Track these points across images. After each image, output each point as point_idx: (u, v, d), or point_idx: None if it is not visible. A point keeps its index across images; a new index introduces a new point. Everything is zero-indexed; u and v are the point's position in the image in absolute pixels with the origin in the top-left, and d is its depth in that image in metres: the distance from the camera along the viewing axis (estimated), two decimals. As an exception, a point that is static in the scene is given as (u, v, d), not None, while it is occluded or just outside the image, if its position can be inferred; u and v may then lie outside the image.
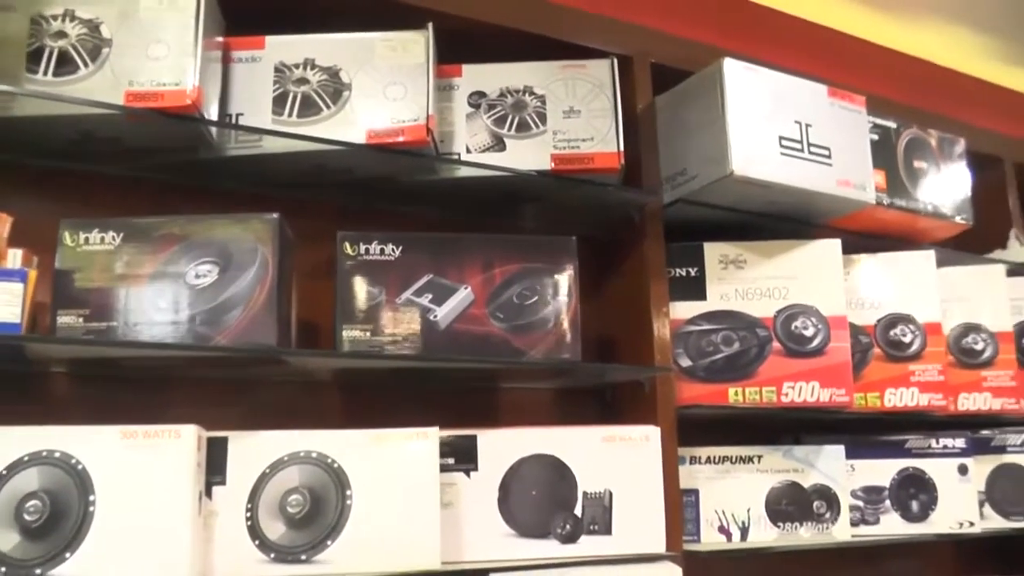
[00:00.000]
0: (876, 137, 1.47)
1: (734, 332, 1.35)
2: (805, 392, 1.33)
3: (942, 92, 2.09)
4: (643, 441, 1.23)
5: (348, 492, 1.06)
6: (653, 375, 1.28)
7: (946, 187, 1.55)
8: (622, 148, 1.24)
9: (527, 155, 1.24)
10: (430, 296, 1.17)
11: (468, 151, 1.24)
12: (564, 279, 1.22)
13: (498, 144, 1.24)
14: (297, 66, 1.17)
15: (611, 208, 1.34)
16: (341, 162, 1.18)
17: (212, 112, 1.12)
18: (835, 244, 1.39)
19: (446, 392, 1.32)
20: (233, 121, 1.15)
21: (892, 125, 1.51)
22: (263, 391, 1.24)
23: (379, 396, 1.27)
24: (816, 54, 1.87)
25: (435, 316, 1.17)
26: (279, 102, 1.16)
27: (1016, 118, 2.21)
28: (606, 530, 1.19)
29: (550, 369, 1.25)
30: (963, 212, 1.57)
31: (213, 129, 1.12)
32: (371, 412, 1.17)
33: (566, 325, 1.20)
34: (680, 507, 1.27)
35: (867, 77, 1.77)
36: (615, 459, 1.21)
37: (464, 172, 1.22)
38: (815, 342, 1.35)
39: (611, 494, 1.20)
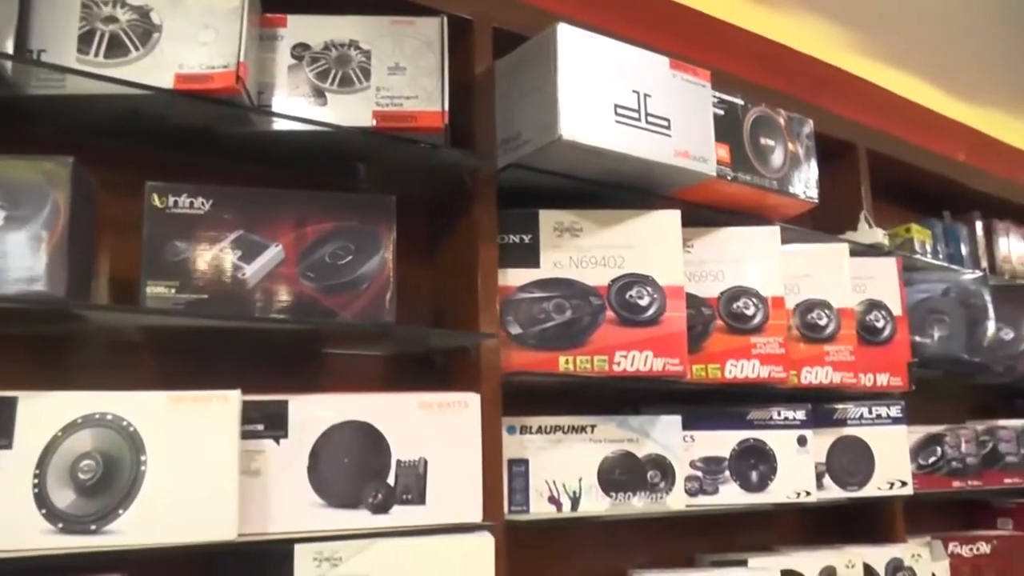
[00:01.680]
0: (721, 112, 1.47)
1: (567, 300, 1.33)
2: (638, 361, 1.32)
3: (798, 77, 2.13)
4: (462, 408, 1.20)
5: (143, 458, 1.00)
6: (478, 341, 1.26)
7: (793, 165, 1.57)
8: (446, 108, 1.21)
9: (349, 111, 1.19)
10: (239, 253, 1.12)
11: (289, 104, 1.19)
12: (381, 239, 1.18)
13: (319, 98, 1.20)
14: (106, 3, 1.10)
15: (442, 171, 1.31)
16: (153, 108, 1.12)
17: (7, 46, 1.04)
18: (674, 215, 1.39)
19: (267, 356, 1.27)
20: (35, 58, 1.08)
21: (739, 102, 1.52)
22: (71, 350, 1.17)
23: (194, 358, 1.21)
24: (668, 29, 1.88)
25: (244, 274, 1.12)
26: (85, 40, 1.09)
27: (871, 107, 2.27)
28: (419, 499, 1.16)
29: (369, 333, 1.21)
30: (810, 190, 1.59)
31: (8, 65, 1.04)
32: (185, 374, 1.10)
33: (382, 287, 1.17)
34: (502, 476, 1.24)
35: (720, 55, 1.78)
36: (432, 426, 1.18)
37: (284, 126, 1.17)
38: (650, 311, 1.34)
39: (426, 462, 1.17)
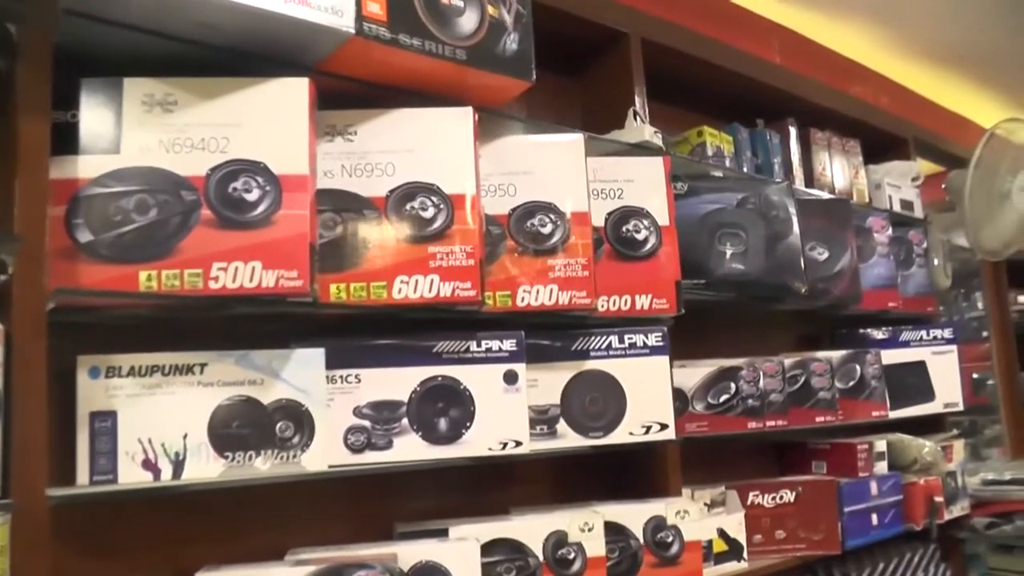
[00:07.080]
0: (378, -43, 1.14)
1: (151, 196, 1.00)
2: (242, 275, 1.00)
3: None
4: (-29, 342, 0.87)
5: None
6: (13, 249, 0.91)
7: (495, 34, 1.23)
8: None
9: None
10: None
11: None
12: None
13: None
14: None
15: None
16: None
17: None
18: (299, 83, 1.06)
19: None
20: None
21: (410, -54, 1.18)
22: None
23: None
24: None
25: None
26: None
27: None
28: None
29: None
30: (521, 67, 1.26)
31: None
32: None
33: None
34: (43, 435, 0.89)
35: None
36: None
37: None
38: (259, 209, 1.02)
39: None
